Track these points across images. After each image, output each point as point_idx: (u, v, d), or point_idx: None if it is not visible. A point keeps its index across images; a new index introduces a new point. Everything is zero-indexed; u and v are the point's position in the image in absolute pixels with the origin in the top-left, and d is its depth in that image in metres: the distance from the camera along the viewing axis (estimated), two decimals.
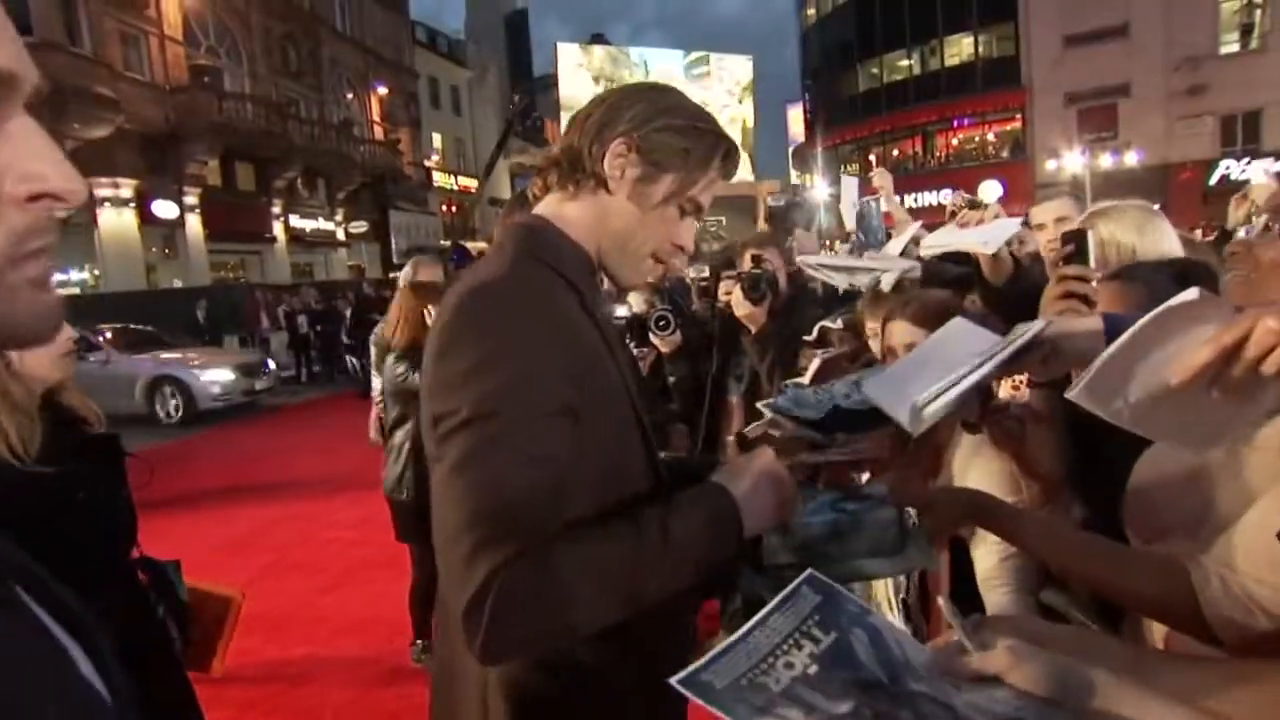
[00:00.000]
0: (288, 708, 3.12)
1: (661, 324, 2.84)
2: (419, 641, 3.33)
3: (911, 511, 1.12)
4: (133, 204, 17.78)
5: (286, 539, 5.22)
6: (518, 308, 0.90)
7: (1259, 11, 22.77)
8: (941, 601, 0.73)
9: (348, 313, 13.41)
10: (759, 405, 1.43)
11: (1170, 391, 0.74)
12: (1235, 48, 23.32)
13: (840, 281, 2.10)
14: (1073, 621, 1.22)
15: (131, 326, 12.08)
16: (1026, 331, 0.96)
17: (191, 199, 19.46)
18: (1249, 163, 22.35)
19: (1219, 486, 0.93)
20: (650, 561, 0.86)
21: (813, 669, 0.63)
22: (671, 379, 3.03)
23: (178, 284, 18.77)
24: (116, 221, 17.56)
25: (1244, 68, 22.49)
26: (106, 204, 17.26)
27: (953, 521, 1.01)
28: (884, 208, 3.84)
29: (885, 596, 2.34)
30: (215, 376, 10.52)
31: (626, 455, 0.99)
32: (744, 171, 29.53)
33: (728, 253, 3.54)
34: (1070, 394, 0.82)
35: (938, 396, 0.93)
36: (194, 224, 19.68)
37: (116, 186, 17.34)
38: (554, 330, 0.90)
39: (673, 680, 0.58)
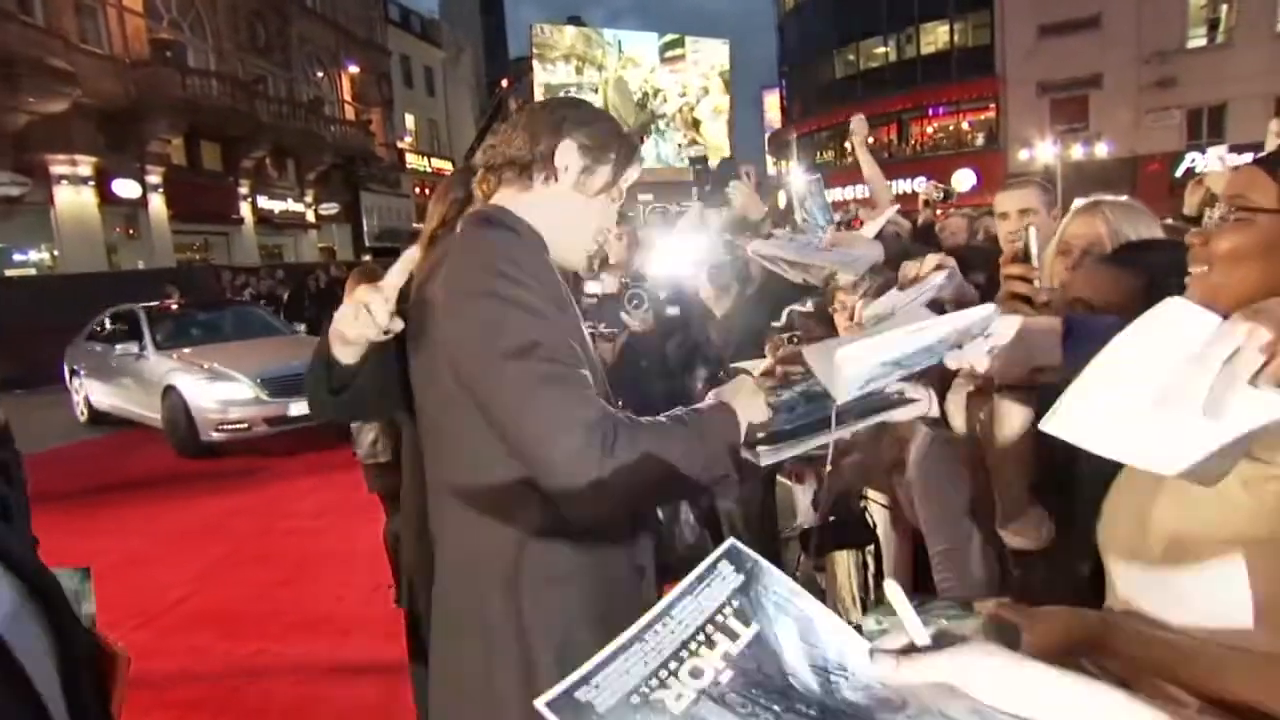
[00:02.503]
0: (235, 706, 3.03)
1: (634, 302, 2.77)
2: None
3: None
4: (92, 182, 17.20)
5: (244, 530, 5.09)
6: (510, 247, 1.11)
7: (1225, 6, 23.05)
8: (888, 585, 0.65)
9: (314, 288, 13.05)
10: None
11: (1162, 416, 0.68)
12: (1202, 42, 23.63)
13: (794, 277, 2.03)
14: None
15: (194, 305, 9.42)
16: (973, 313, 0.90)
17: (154, 178, 18.91)
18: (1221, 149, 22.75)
19: (1193, 518, 0.87)
20: (690, 432, 1.05)
21: (725, 675, 0.51)
22: (643, 363, 2.96)
23: (141, 265, 18.27)
24: (74, 200, 17.00)
25: (1210, 62, 22.80)
26: (64, 181, 16.70)
27: (1056, 647, 0.82)
28: (864, 169, 3.65)
29: (850, 593, 2.32)
30: (226, 393, 7.05)
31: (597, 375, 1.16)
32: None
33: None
34: (1046, 426, 0.76)
35: (863, 353, 0.86)
36: (157, 204, 19.13)
37: (74, 164, 16.79)
38: (540, 264, 1.12)
39: (539, 703, 0.48)
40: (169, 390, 7.22)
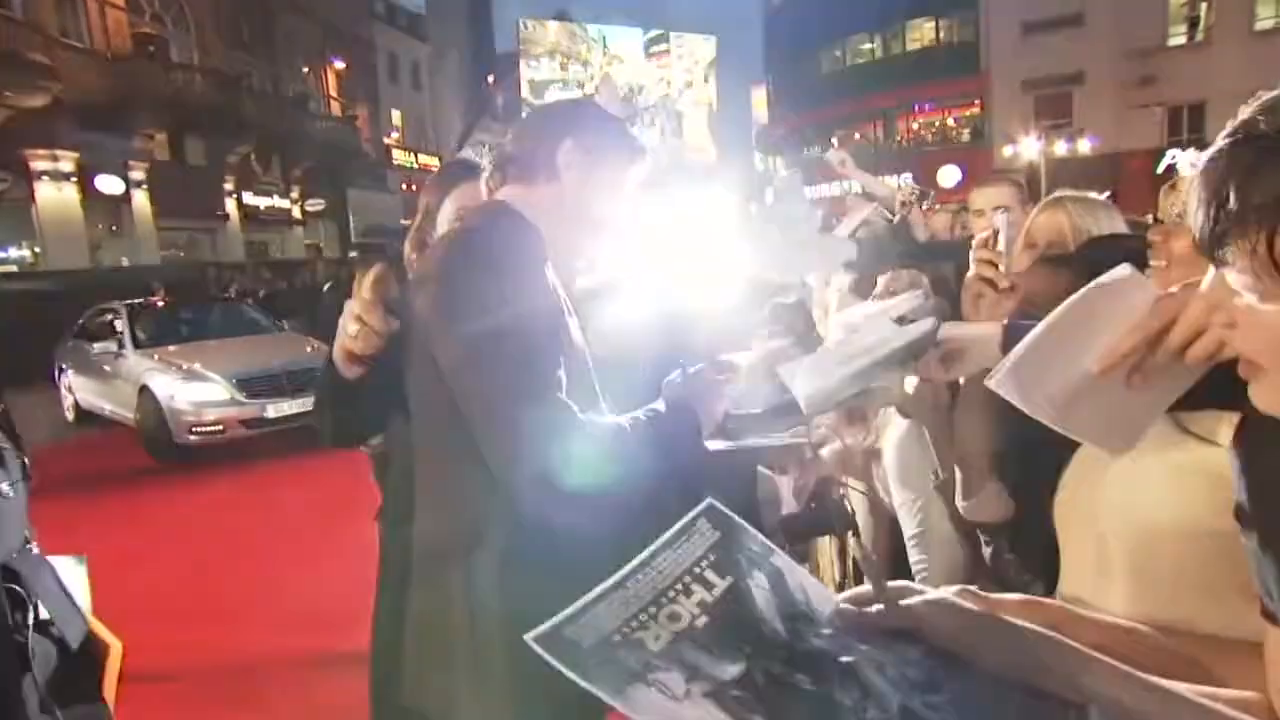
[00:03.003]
0: (231, 699, 3.06)
1: None
2: None
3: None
4: (74, 178, 17.00)
5: (238, 526, 5.11)
6: (500, 240, 1.14)
7: (1204, 4, 23.31)
8: (853, 542, 0.69)
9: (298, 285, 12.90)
10: None
11: (1091, 382, 0.71)
12: (1182, 40, 23.89)
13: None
14: None
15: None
16: (914, 330, 0.96)
17: (138, 174, 18.71)
18: (1191, 153, 22.96)
19: (1138, 498, 0.90)
20: (644, 433, 1.09)
21: (701, 620, 0.55)
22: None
23: (125, 262, 18.10)
24: (56, 196, 16.80)
25: (1190, 60, 23.05)
26: (45, 177, 16.49)
27: None
28: (857, 185, 3.78)
29: (831, 580, 2.38)
30: (199, 395, 6.80)
31: (582, 379, 1.19)
32: (706, 157, 29.41)
33: None
34: (990, 382, 0.80)
35: (823, 370, 0.94)
36: (141, 200, 18.93)
37: (55, 159, 16.59)
38: (530, 258, 1.14)
39: (528, 637, 0.51)
40: (143, 390, 6.98)
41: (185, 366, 7.06)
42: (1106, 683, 0.60)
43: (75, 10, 17.60)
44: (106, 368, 7.77)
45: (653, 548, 0.59)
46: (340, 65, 27.93)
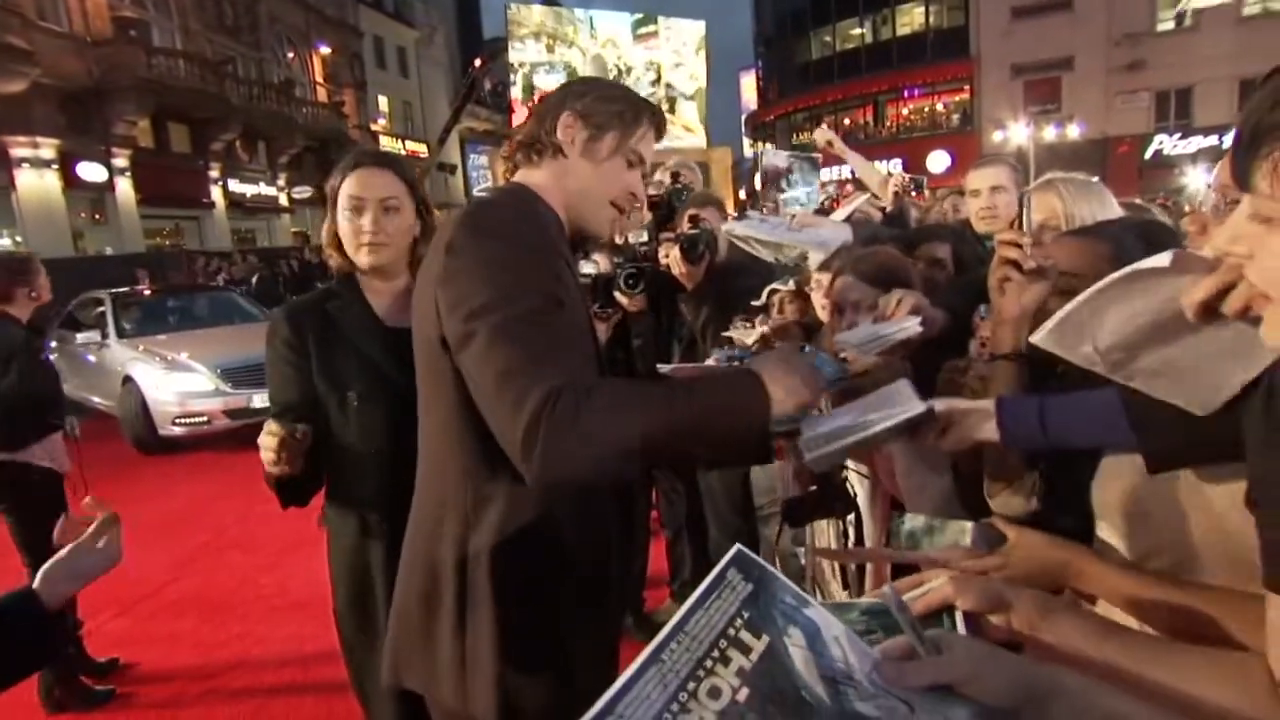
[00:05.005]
0: (221, 690, 3.03)
1: (630, 281, 2.75)
2: None
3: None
4: (55, 165, 16.70)
5: (223, 516, 5.06)
6: (512, 214, 1.14)
7: None
8: (886, 591, 0.67)
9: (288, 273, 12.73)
10: None
11: (1157, 336, 0.73)
12: (1171, 25, 23.93)
13: (766, 255, 2.06)
14: None
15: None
16: (908, 410, 1.01)
17: (121, 161, 18.37)
18: (1180, 138, 23.10)
19: (1187, 510, 0.89)
20: (680, 399, 0.97)
21: (742, 693, 0.52)
22: (637, 341, 2.96)
23: (109, 251, 17.85)
24: (37, 184, 16.50)
25: (1178, 45, 23.13)
26: (25, 164, 16.19)
27: (1037, 557, 0.94)
28: (851, 165, 3.84)
29: (830, 565, 2.37)
30: (183, 385, 6.68)
31: (589, 351, 1.17)
32: (697, 138, 29.24)
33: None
34: (1035, 338, 0.82)
35: (825, 444, 1.02)
36: (125, 188, 18.60)
37: (35, 146, 16.28)
38: (542, 233, 1.13)
39: None
40: (126, 381, 6.88)
41: (168, 356, 6.92)
42: None
43: None
44: (91, 358, 7.66)
45: (684, 609, 0.56)
46: (326, 50, 27.55)
